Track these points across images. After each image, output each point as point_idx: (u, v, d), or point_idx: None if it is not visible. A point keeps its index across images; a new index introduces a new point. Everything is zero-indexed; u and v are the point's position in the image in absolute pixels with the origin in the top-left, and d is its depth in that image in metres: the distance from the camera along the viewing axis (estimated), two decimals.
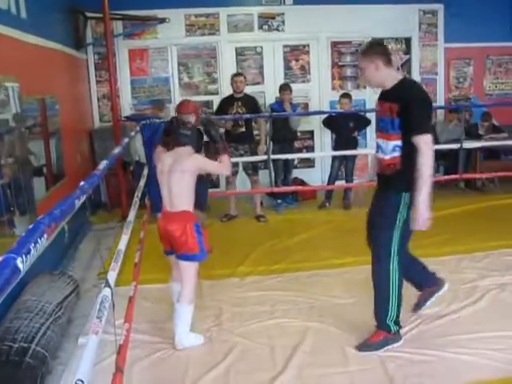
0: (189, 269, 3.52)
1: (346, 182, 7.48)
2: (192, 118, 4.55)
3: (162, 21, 7.90)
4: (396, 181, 3.32)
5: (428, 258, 4.79)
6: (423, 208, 3.15)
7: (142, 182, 5.68)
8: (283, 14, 8.27)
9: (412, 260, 3.70)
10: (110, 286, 2.50)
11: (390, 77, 3.33)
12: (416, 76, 8.76)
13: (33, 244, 1.33)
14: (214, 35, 8.20)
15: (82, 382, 1.87)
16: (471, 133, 8.08)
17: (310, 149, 8.63)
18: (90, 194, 2.33)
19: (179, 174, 3.45)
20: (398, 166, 3.29)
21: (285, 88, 7.27)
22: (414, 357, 3.30)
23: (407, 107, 3.18)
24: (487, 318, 3.77)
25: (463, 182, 8.00)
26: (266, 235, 6.05)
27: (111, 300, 2.42)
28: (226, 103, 6.95)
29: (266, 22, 8.29)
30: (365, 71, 3.37)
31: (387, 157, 3.33)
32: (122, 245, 3.49)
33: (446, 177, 7.81)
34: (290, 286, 4.53)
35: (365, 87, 8.71)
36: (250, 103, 6.87)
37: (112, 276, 2.81)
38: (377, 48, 3.40)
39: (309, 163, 8.57)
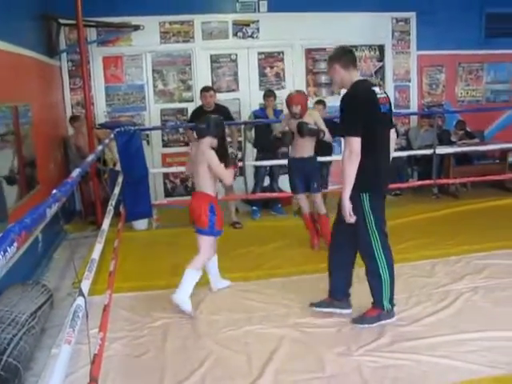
0: (201, 241, 4.20)
1: None
2: (297, 109, 5.47)
3: (137, 28, 7.87)
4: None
5: (403, 262, 4.92)
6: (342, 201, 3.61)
7: (116, 190, 5.65)
8: (258, 21, 8.31)
9: (349, 264, 3.96)
10: (83, 295, 2.48)
11: (348, 79, 3.65)
12: (389, 83, 8.88)
13: (2, 252, 1.31)
14: (188, 42, 8.20)
15: None
16: (443, 139, 8.20)
17: (285, 155, 8.63)
18: (63, 202, 2.31)
19: (200, 163, 4.17)
20: None
21: (269, 94, 7.29)
22: (390, 361, 3.31)
23: (341, 109, 3.60)
24: (461, 320, 3.81)
25: (437, 187, 8.08)
26: (241, 242, 6.04)
27: (85, 309, 2.40)
28: (198, 117, 6.87)
29: (241, 29, 8.31)
30: (329, 74, 3.84)
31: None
32: (96, 254, 3.46)
33: (420, 182, 7.92)
34: (266, 293, 4.52)
35: (339, 94, 8.78)
36: (222, 114, 6.86)
37: (86, 285, 2.79)
38: (338, 54, 3.72)
39: (284, 170, 8.57)
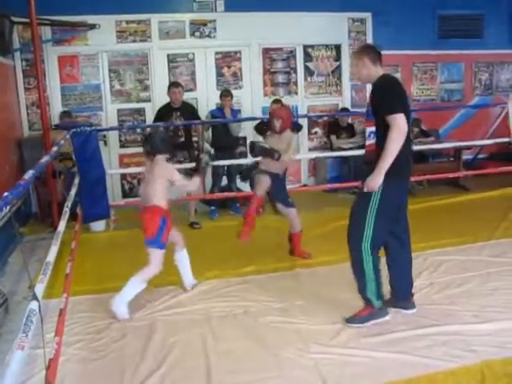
0: (152, 254, 4.09)
1: None
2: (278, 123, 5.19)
3: (93, 27, 7.77)
4: (372, 165, 3.54)
5: None
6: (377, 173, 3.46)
7: (73, 191, 5.56)
8: (215, 20, 8.30)
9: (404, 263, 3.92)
10: (37, 299, 2.43)
11: (375, 73, 3.65)
12: (346, 82, 8.99)
13: None
14: (145, 42, 8.14)
15: None
16: None
17: (244, 155, 8.64)
18: (18, 204, 2.27)
19: (158, 178, 4.12)
20: (373, 152, 3.62)
21: (225, 94, 7.25)
22: (347, 358, 3.35)
23: (375, 94, 3.59)
24: (419, 316, 3.88)
25: None
26: (199, 242, 6.02)
27: (39, 313, 2.36)
28: (165, 113, 6.87)
29: (198, 28, 8.29)
30: (354, 68, 3.82)
31: (366, 143, 3.69)
32: (51, 256, 3.41)
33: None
34: (224, 293, 4.52)
35: (296, 93, 8.85)
36: (189, 112, 6.85)
37: (40, 288, 2.74)
38: (366, 48, 3.80)
39: (241, 169, 8.57)
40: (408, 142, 3.58)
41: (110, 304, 3.99)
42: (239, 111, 8.02)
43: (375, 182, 3.47)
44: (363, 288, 3.73)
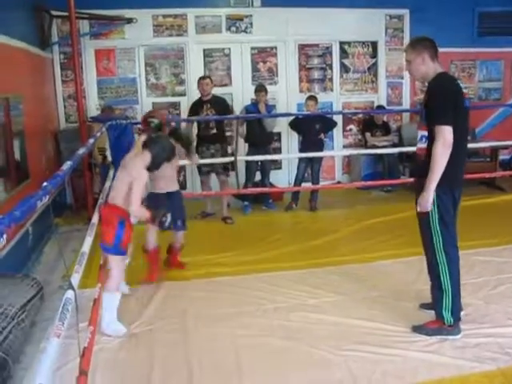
0: (111, 261, 3.77)
1: (313, 183, 7.52)
2: None
3: (130, 21, 7.84)
4: (423, 170, 3.44)
5: (395, 258, 5.08)
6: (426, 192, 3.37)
7: (107, 184, 5.62)
8: (251, 15, 8.29)
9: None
10: (73, 289, 2.47)
11: (433, 70, 3.46)
12: (382, 79, 8.90)
13: None
14: (181, 36, 8.18)
15: None
16: None
17: (278, 150, 8.65)
18: (54, 195, 2.30)
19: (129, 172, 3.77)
20: (424, 156, 3.50)
21: (260, 89, 7.23)
22: (379, 356, 3.33)
23: (430, 98, 3.41)
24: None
25: None
26: (232, 237, 6.06)
27: (74, 303, 2.40)
28: (196, 107, 6.95)
29: (234, 23, 8.29)
30: (411, 64, 3.52)
31: (417, 146, 3.59)
32: (86, 247, 3.45)
33: (411, 179, 7.91)
34: (255, 288, 4.52)
35: (331, 90, 8.80)
36: (220, 104, 6.87)
37: (76, 278, 2.78)
38: (425, 42, 3.52)
39: (276, 165, 8.58)
40: (463, 147, 3.47)
41: (101, 331, 3.66)
42: (274, 107, 8.01)
43: (426, 201, 3.39)
44: (439, 302, 3.56)
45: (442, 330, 3.55)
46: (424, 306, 3.93)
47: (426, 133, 3.50)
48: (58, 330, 2.10)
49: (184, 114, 8.16)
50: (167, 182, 4.78)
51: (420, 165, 3.62)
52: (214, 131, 6.82)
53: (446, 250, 3.49)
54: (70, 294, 2.42)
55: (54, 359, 2.08)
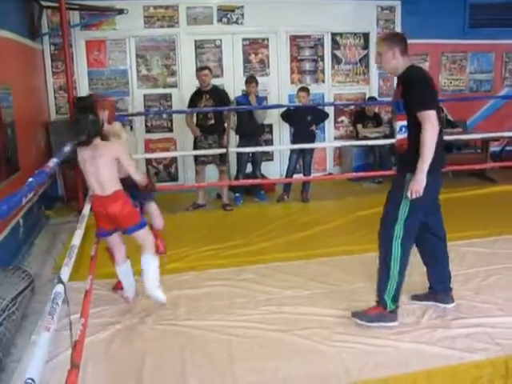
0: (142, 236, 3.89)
1: (304, 175, 7.52)
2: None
3: (121, 12, 7.79)
4: (402, 161, 3.56)
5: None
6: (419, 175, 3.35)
7: None
8: (242, 7, 8.26)
9: (441, 258, 3.86)
10: (62, 282, 2.47)
11: (402, 64, 3.51)
12: (374, 71, 8.89)
13: None
14: (173, 27, 8.13)
15: (33, 380, 1.83)
16: None
17: (269, 142, 8.65)
18: (44, 188, 2.29)
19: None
20: (405, 146, 3.55)
21: (250, 80, 7.19)
22: (371, 347, 3.34)
23: (407, 88, 3.44)
24: (439, 305, 3.86)
25: None
26: (223, 229, 6.06)
27: (65, 295, 2.39)
28: (195, 97, 6.99)
29: (226, 14, 8.26)
30: (382, 56, 3.58)
31: (397, 137, 3.64)
32: (76, 240, 3.45)
33: None
34: (249, 278, 4.53)
35: (323, 81, 8.80)
36: (218, 95, 6.88)
37: (66, 271, 2.77)
38: (396, 37, 3.61)
39: (267, 156, 8.57)
40: (440, 134, 3.49)
41: (146, 292, 3.92)
42: (265, 98, 8.00)
43: (419, 185, 3.36)
44: (383, 287, 3.61)
45: (382, 316, 3.60)
46: (415, 298, 3.96)
47: (405, 123, 3.55)
48: (48, 324, 2.09)
49: (176, 105, 8.15)
50: None
51: (401, 157, 3.67)
52: (212, 122, 6.83)
53: (406, 231, 3.52)
54: (59, 287, 2.41)
55: (45, 353, 2.08)
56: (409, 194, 3.39)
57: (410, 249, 3.63)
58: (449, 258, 3.90)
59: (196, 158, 6.98)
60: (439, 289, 3.90)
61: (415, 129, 3.38)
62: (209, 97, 6.83)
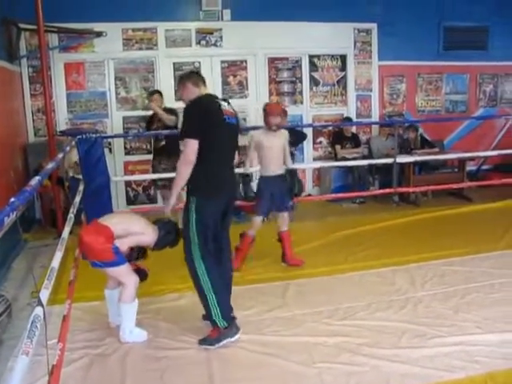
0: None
1: None
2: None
3: (99, 34, 7.81)
4: (187, 186, 3.71)
5: (365, 270, 5.06)
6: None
7: (77, 198, 5.57)
8: (221, 29, 8.33)
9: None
10: (42, 305, 2.44)
11: (192, 95, 3.78)
12: (351, 92, 9.00)
13: None
14: (151, 50, 8.17)
15: None
16: (405, 147, 8.35)
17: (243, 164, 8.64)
18: (22, 210, 2.28)
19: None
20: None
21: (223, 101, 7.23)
22: (352, 368, 3.34)
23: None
24: (422, 326, 3.87)
25: (397, 195, 8.19)
26: None
27: (43, 319, 2.36)
28: (150, 120, 7.12)
29: (204, 37, 8.32)
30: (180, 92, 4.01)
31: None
32: (56, 262, 3.40)
33: (381, 190, 8.01)
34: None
35: (301, 103, 8.87)
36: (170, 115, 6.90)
37: (45, 294, 2.74)
38: (187, 73, 4.12)
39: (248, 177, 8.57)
40: (220, 158, 3.69)
41: (124, 340, 3.78)
42: (244, 120, 8.04)
43: (167, 207, 3.78)
44: (208, 311, 3.69)
45: (221, 336, 3.67)
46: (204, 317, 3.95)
47: None
48: (27, 348, 2.06)
49: None
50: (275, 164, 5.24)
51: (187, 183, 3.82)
52: (163, 143, 6.89)
53: (205, 257, 3.63)
54: (38, 310, 2.38)
55: (23, 378, 2.04)
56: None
57: (216, 264, 3.70)
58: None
59: (155, 181, 7.05)
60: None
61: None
62: (158, 119, 6.89)
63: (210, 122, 3.61)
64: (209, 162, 3.62)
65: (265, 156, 5.22)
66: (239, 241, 5.35)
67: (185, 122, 3.69)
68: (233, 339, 3.68)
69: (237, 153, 4.08)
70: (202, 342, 3.71)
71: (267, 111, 5.21)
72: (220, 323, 3.66)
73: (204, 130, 3.56)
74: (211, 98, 3.80)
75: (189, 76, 3.99)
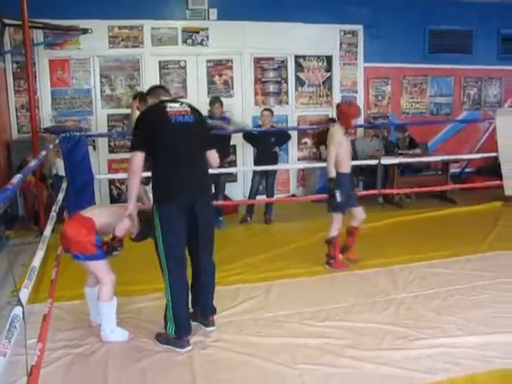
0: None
1: (267, 196, 7.54)
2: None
3: (85, 31, 7.76)
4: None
5: (348, 271, 5.06)
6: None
7: (60, 196, 5.53)
8: (207, 28, 8.32)
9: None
10: (21, 305, 2.41)
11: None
12: (337, 93, 9.02)
13: None
14: (137, 48, 8.14)
15: None
16: (389, 149, 8.38)
17: (233, 163, 8.65)
18: (4, 208, 2.25)
19: None
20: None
21: (214, 101, 7.26)
22: (333, 369, 3.33)
23: None
24: (404, 328, 3.88)
25: (382, 196, 8.22)
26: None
27: (22, 319, 2.33)
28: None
29: (190, 36, 8.30)
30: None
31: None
32: (37, 261, 3.37)
33: (365, 192, 8.03)
34: None
35: (287, 103, 8.88)
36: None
37: (25, 294, 2.71)
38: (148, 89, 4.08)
39: (231, 178, 8.57)
40: (180, 162, 3.63)
41: (105, 340, 3.74)
42: (230, 119, 8.01)
43: (128, 210, 3.69)
44: (165, 312, 3.70)
45: (168, 340, 3.67)
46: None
47: None
48: (5, 349, 2.04)
49: None
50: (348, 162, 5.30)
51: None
52: None
53: (168, 266, 3.62)
54: (17, 310, 2.35)
55: (1, 379, 2.02)
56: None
57: (180, 275, 3.66)
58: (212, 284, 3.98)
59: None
60: (199, 310, 3.98)
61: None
62: None
63: (152, 128, 3.59)
64: (163, 166, 3.63)
65: (343, 154, 5.21)
66: (328, 248, 5.36)
67: (132, 135, 3.71)
68: (182, 351, 3.60)
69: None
70: (158, 336, 3.74)
71: (351, 113, 5.24)
72: (170, 331, 3.64)
73: (149, 138, 3.55)
74: (159, 104, 3.74)
75: (148, 92, 4.02)
